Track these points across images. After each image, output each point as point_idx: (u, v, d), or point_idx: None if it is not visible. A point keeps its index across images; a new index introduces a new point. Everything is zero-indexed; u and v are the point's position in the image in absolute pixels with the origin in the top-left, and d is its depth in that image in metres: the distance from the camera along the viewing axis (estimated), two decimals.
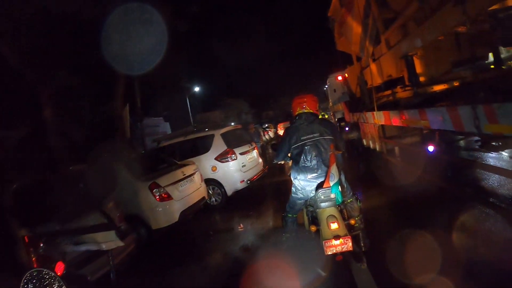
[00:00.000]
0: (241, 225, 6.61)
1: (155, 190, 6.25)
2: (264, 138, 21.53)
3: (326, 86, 19.55)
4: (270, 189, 9.52)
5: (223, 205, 8.51)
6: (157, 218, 6.26)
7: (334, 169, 3.71)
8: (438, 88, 5.54)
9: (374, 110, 7.58)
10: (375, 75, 8.07)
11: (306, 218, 4.31)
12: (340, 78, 14.41)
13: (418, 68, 5.88)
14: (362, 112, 9.08)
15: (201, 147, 8.91)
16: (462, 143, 6.08)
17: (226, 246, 5.86)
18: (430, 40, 4.95)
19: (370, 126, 8.61)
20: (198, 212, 7.53)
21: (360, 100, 10.02)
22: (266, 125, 29.45)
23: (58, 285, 2.94)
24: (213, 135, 8.85)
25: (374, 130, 8.18)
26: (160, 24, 16.56)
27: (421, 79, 5.90)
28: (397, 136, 7.44)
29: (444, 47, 5.31)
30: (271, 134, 26.61)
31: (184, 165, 7.57)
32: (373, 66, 8.06)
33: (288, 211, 4.37)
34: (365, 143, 9.53)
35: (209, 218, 7.89)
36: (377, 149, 8.29)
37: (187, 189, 6.99)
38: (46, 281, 2.89)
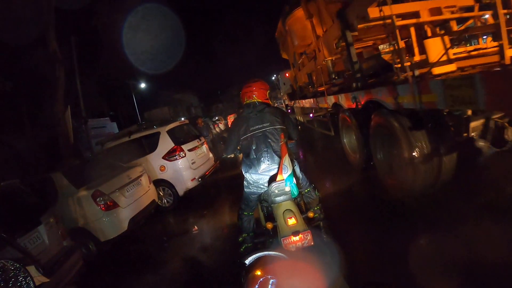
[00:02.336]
0: (196, 227, 6.43)
1: (98, 198, 5.87)
2: (214, 132, 21.57)
3: (279, 79, 24.23)
4: (223, 184, 9.37)
5: (176, 206, 8.23)
6: (104, 229, 5.91)
7: (286, 161, 3.55)
8: (321, 88, 8.89)
9: (298, 99, 13.75)
10: (299, 79, 13.37)
11: (261, 214, 4.14)
12: (287, 75, 19.78)
13: (314, 79, 10.40)
14: (295, 100, 14.95)
15: (147, 146, 8.53)
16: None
17: (181, 251, 5.69)
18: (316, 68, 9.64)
19: (298, 108, 14.90)
20: (149, 217, 7.22)
21: (294, 92, 15.39)
22: (216, 117, 29.33)
23: (23, 276, 2.83)
24: (158, 133, 8.49)
25: (300, 110, 14.56)
26: (101, 17, 15.82)
27: (315, 85, 10.34)
28: (310, 111, 11.74)
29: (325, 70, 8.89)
30: (221, 126, 26.59)
31: (130, 168, 7.22)
32: (298, 74, 13.48)
33: (243, 208, 4.14)
34: (297, 118, 15.74)
35: (161, 222, 7.60)
36: (302, 120, 14.55)
37: (135, 193, 6.66)
38: (11, 272, 2.76)
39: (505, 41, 3.78)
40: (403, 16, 5.27)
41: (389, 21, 4.59)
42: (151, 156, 8.36)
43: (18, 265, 2.82)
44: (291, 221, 3.31)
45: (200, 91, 53.70)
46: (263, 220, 4.06)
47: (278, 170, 3.57)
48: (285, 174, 3.50)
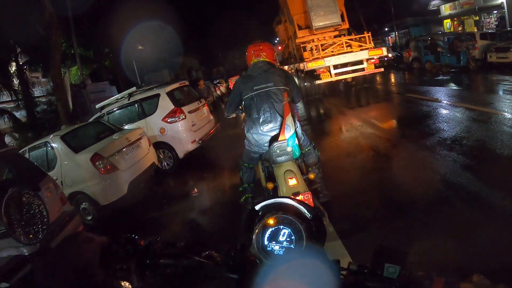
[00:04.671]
0: (195, 190, 6.53)
1: (98, 162, 5.94)
2: (215, 94, 22.00)
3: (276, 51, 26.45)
4: (224, 146, 9.38)
5: (176, 169, 8.33)
6: (104, 193, 6.00)
7: (289, 120, 3.61)
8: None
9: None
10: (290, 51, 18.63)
11: (262, 174, 4.15)
12: (280, 48, 23.04)
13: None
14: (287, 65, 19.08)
15: (146, 108, 8.55)
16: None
17: (181, 214, 5.81)
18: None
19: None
20: (149, 180, 7.33)
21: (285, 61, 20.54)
22: (218, 80, 29.45)
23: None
24: (158, 95, 8.47)
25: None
26: None
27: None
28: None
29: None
30: (222, 89, 26.79)
31: (129, 131, 7.26)
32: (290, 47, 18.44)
33: (244, 161, 4.19)
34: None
35: (161, 184, 7.74)
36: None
37: (134, 156, 6.71)
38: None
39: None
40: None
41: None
42: (151, 118, 8.39)
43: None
44: (292, 182, 3.34)
45: (201, 54, 52.99)
46: (264, 181, 4.07)
47: (280, 130, 3.62)
48: (288, 134, 3.56)
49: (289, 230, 1.13)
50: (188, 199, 6.34)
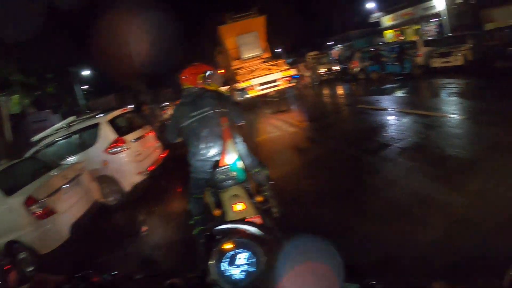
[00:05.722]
0: (145, 227, 6.19)
1: (33, 206, 5.43)
2: (162, 118, 21.92)
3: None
4: (173, 174, 9.03)
5: (123, 204, 7.84)
6: (43, 241, 5.48)
7: (230, 145, 3.68)
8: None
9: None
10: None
11: (210, 200, 4.08)
12: (223, 71, 23.43)
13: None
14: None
15: (87, 139, 8.05)
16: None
17: (135, 252, 5.42)
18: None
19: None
20: (94, 219, 6.83)
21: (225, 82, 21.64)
22: (165, 103, 30.13)
23: None
24: (98, 124, 8.03)
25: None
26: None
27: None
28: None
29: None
30: (170, 112, 26.52)
31: (67, 166, 6.82)
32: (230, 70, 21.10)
33: (192, 192, 4.07)
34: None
35: (108, 223, 7.25)
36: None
37: (75, 195, 6.28)
38: None
39: None
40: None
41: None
42: (92, 150, 7.91)
43: None
44: (239, 207, 3.33)
45: (148, 77, 52.53)
46: (213, 207, 4.01)
47: (221, 156, 3.69)
48: (230, 158, 3.67)
49: (248, 253, 1.16)
50: (140, 236, 5.99)
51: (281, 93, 20.91)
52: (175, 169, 8.84)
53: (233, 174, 3.60)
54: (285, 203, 4.74)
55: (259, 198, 3.93)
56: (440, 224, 3.82)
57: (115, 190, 7.89)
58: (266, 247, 1.15)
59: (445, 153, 6.01)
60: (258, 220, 3.21)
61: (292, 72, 19.55)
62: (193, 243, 4.11)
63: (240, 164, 3.77)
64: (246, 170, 3.99)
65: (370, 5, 35.37)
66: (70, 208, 5.99)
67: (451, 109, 9.10)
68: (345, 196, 5.27)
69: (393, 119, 9.39)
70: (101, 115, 8.46)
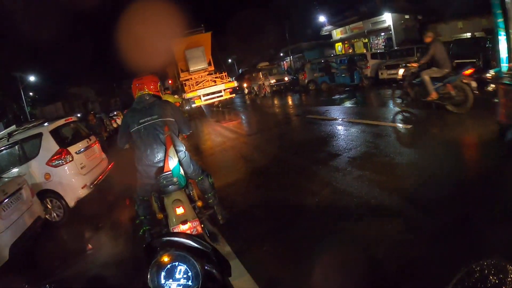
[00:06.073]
0: (89, 246, 5.95)
1: None
2: (111, 127, 23.18)
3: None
4: (120, 187, 8.76)
5: (67, 220, 7.47)
6: None
7: (172, 152, 3.90)
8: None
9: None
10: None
11: (155, 205, 4.25)
12: (170, 82, 26.59)
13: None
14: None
15: (28, 150, 7.64)
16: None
17: (79, 275, 5.14)
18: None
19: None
20: (36, 237, 6.41)
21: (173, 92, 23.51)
22: (114, 112, 29.67)
23: None
24: (40, 134, 7.66)
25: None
26: None
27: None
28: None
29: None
30: (119, 121, 26.23)
31: (6, 181, 6.41)
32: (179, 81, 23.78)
33: (138, 194, 4.40)
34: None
35: (52, 241, 6.86)
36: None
37: (14, 212, 5.84)
38: None
39: None
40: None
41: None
42: (33, 162, 7.53)
43: None
44: (180, 210, 3.56)
45: (97, 84, 51.15)
46: (157, 210, 4.18)
47: (164, 162, 3.94)
48: (172, 164, 3.87)
49: (185, 267, 1.16)
50: (85, 255, 5.73)
51: (225, 103, 24.31)
52: (122, 181, 8.61)
53: (175, 179, 3.82)
54: (230, 210, 5.29)
55: (199, 203, 4.14)
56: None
57: (58, 205, 7.52)
58: (203, 260, 1.19)
59: (393, 161, 6.22)
60: (196, 223, 3.42)
61: (234, 84, 23.28)
62: (141, 259, 4.08)
63: (181, 171, 4.02)
64: (189, 177, 4.39)
65: (322, 19, 36.35)
66: (8, 227, 5.57)
67: (398, 118, 9.54)
68: (289, 205, 5.39)
69: (341, 129, 9.62)
70: (45, 124, 8.10)
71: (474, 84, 8.41)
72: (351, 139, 8.19)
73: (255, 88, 29.39)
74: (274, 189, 6.31)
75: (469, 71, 8.60)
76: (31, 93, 34.76)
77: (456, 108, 8.56)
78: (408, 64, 10.19)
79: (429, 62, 9.10)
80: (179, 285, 1.16)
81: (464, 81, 8.46)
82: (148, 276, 1.16)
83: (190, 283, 1.15)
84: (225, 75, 22.80)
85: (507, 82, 4.62)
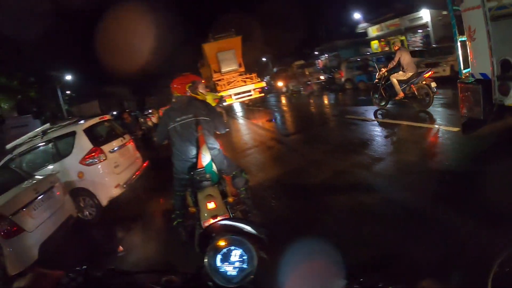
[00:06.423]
0: (121, 247, 5.75)
1: None
2: (145, 126, 22.78)
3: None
4: (154, 187, 8.60)
5: (99, 219, 7.37)
6: (8, 262, 4.92)
7: (204, 150, 4.17)
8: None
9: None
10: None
11: (189, 199, 4.48)
12: (203, 81, 28.68)
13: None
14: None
15: (62, 149, 7.60)
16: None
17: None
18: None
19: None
20: (67, 235, 6.30)
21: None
22: (149, 111, 29.69)
23: None
24: (74, 132, 7.58)
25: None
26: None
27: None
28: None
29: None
30: (154, 120, 26.78)
31: (38, 179, 6.33)
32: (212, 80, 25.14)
33: (175, 189, 4.67)
34: None
35: (83, 239, 6.78)
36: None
37: (45, 211, 5.79)
38: None
39: None
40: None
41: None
42: (67, 161, 7.48)
43: None
44: (211, 205, 3.75)
45: (133, 83, 52.16)
46: (191, 204, 4.43)
47: (197, 159, 4.22)
48: (204, 162, 4.14)
49: (241, 251, 1.22)
50: (114, 257, 5.46)
51: (255, 101, 25.92)
52: (156, 181, 8.43)
53: (207, 176, 4.06)
54: (263, 208, 5.44)
55: (231, 199, 4.38)
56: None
57: (91, 204, 7.45)
58: (258, 245, 1.23)
59: (444, 168, 5.77)
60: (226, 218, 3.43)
61: (263, 84, 25.21)
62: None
63: (214, 168, 4.28)
64: (223, 173, 4.59)
65: (357, 16, 35.60)
66: (39, 225, 5.50)
67: (442, 119, 8.95)
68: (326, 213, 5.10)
69: (383, 131, 9.16)
70: (80, 122, 8.05)
71: (433, 84, 9.95)
72: (393, 142, 7.92)
73: (291, 87, 29.10)
74: (314, 195, 5.94)
75: (428, 74, 10.30)
76: (68, 91, 35.60)
77: (420, 105, 10.31)
78: (381, 69, 11.81)
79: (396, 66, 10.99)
80: (234, 267, 1.21)
81: (424, 82, 10.12)
82: (206, 260, 1.20)
83: (245, 265, 1.21)
84: (255, 76, 24.22)
85: (463, 82, 5.30)
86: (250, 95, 23.56)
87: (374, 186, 5.58)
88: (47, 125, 8.33)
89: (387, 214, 4.59)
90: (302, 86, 27.84)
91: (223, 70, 24.91)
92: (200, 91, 4.73)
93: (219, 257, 1.21)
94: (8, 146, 8.25)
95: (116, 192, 7.50)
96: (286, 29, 43.74)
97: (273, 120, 17.14)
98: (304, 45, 44.72)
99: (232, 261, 1.21)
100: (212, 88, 24.27)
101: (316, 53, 42.78)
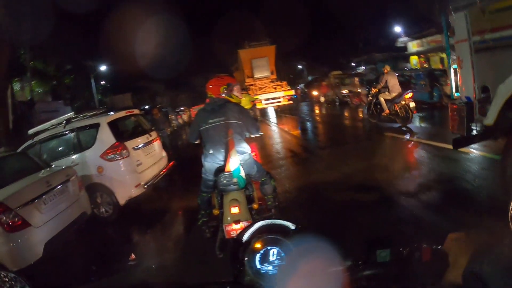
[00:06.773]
0: (133, 255, 5.22)
1: (2, 215, 4.49)
2: (175, 123, 24.50)
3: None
4: (178, 190, 8.07)
5: (115, 217, 6.93)
6: (10, 257, 4.53)
7: (233, 154, 4.04)
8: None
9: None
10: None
11: (215, 200, 4.49)
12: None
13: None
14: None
15: (83, 140, 7.24)
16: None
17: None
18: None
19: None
20: (79, 232, 5.90)
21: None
22: (181, 108, 30.96)
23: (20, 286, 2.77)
24: (97, 125, 7.20)
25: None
26: None
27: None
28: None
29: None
30: (185, 118, 28.53)
31: (53, 170, 5.94)
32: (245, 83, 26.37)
33: (201, 190, 4.62)
34: None
35: (94, 239, 6.29)
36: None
37: (56, 206, 5.35)
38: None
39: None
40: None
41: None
42: (87, 153, 7.11)
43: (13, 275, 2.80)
44: (234, 210, 3.87)
45: (168, 79, 52.37)
46: (216, 206, 4.45)
47: (225, 162, 4.12)
48: (232, 166, 4.01)
49: (277, 249, 1.24)
50: (123, 265, 5.03)
51: (289, 109, 26.71)
52: (181, 183, 7.92)
53: (234, 180, 4.02)
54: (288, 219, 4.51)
55: (256, 205, 4.33)
56: None
57: (108, 201, 7.02)
58: (291, 238, 1.22)
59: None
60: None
61: (292, 92, 26.58)
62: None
63: (242, 172, 4.10)
64: (252, 178, 4.56)
65: (398, 29, 34.69)
66: (47, 222, 5.06)
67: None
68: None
69: (428, 153, 8.21)
70: (110, 113, 7.69)
71: (412, 104, 11.42)
72: (438, 167, 7.16)
73: (328, 97, 28.62)
74: (343, 215, 5.33)
75: (408, 95, 11.72)
76: (103, 82, 36.07)
77: (401, 121, 11.92)
78: (372, 89, 13.66)
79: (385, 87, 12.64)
80: (274, 266, 1.21)
81: (403, 102, 11.66)
82: (246, 265, 1.19)
83: (282, 263, 1.21)
84: (285, 84, 25.72)
85: (453, 103, 5.60)
86: (279, 102, 24.66)
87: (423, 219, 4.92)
88: (71, 114, 7.98)
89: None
90: (338, 96, 27.14)
91: (256, 76, 26.37)
92: (235, 94, 4.58)
93: (257, 259, 1.22)
94: (30, 131, 7.95)
95: (135, 192, 7.03)
96: (324, 37, 43.18)
97: (307, 130, 16.73)
98: (340, 55, 43.99)
99: (272, 261, 1.22)
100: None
101: (353, 64, 41.94)
